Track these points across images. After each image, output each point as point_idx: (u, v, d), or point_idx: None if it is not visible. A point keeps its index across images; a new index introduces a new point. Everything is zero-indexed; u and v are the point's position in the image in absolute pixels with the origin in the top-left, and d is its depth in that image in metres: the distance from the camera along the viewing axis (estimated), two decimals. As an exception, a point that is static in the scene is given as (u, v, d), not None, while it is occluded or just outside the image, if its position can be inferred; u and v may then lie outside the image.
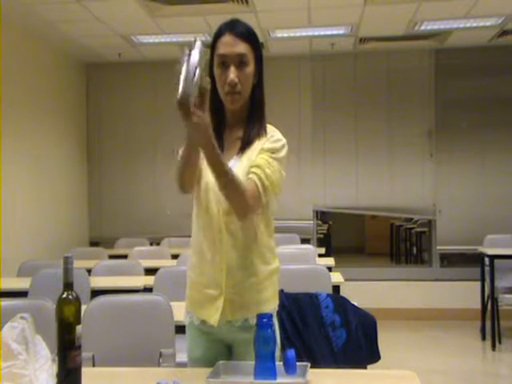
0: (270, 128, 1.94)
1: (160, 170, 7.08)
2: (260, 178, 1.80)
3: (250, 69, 1.85)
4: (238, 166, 1.85)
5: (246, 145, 1.88)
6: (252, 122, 1.91)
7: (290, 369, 1.67)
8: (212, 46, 1.87)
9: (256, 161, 1.83)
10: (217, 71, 1.85)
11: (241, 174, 1.81)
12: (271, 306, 1.91)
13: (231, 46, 1.82)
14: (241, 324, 1.87)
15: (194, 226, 1.94)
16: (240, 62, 1.82)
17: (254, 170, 1.81)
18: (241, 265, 1.86)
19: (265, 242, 1.90)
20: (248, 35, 1.85)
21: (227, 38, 1.83)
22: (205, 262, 1.88)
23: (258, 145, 1.88)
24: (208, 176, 1.84)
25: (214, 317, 1.86)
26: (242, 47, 1.82)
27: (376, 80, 6.93)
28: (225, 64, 1.83)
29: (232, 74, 1.81)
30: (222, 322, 1.86)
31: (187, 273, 1.98)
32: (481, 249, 5.63)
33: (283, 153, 1.89)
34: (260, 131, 1.90)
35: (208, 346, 1.93)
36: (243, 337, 1.84)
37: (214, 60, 1.86)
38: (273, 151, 1.86)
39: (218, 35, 1.86)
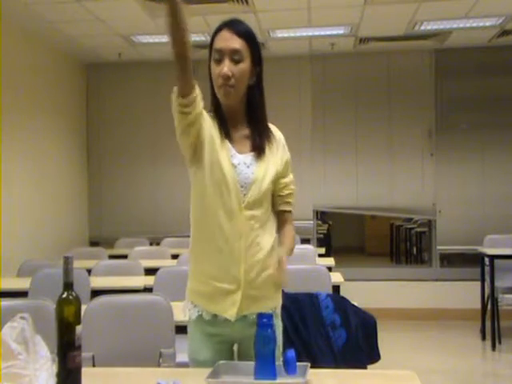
0: (272, 127, 2.01)
1: (160, 169, 7.08)
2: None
3: (245, 65, 1.87)
4: (261, 168, 1.91)
5: (259, 147, 1.93)
6: (255, 123, 1.95)
7: (289, 369, 1.67)
8: (210, 42, 1.91)
9: (289, 179, 2.02)
10: (212, 65, 1.89)
11: (263, 178, 1.90)
12: (280, 300, 1.98)
13: (227, 40, 1.86)
14: (255, 318, 1.85)
15: (203, 221, 1.91)
16: (234, 56, 1.86)
17: (292, 188, 2.02)
18: (260, 259, 1.88)
19: (276, 237, 1.96)
20: (246, 34, 1.88)
21: (224, 33, 1.87)
22: (221, 257, 1.87)
23: (276, 150, 1.96)
24: (224, 168, 1.86)
25: (230, 311, 1.87)
26: (237, 43, 1.86)
27: (376, 80, 6.93)
28: (220, 58, 1.86)
29: (226, 67, 1.85)
30: (238, 317, 1.88)
31: (193, 265, 1.95)
32: (481, 249, 5.63)
33: None
34: (267, 134, 1.96)
35: (215, 348, 1.92)
36: (251, 332, 1.83)
37: (211, 56, 1.90)
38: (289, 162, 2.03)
39: (216, 31, 1.90)
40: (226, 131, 1.92)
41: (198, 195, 1.92)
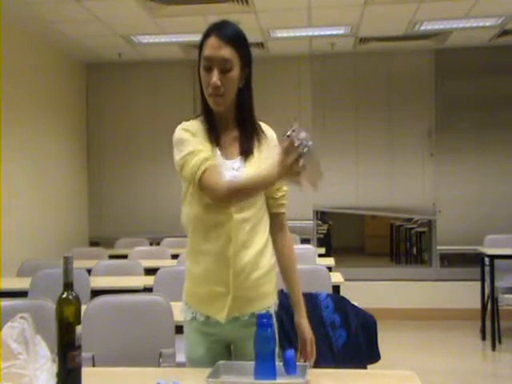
0: (263, 125, 1.99)
1: (160, 169, 7.08)
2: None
3: (234, 73, 1.85)
4: (249, 170, 1.88)
5: (247, 151, 1.91)
6: (243, 124, 1.94)
7: (289, 369, 1.67)
8: (199, 47, 1.88)
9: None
10: (202, 72, 1.87)
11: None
12: (274, 299, 1.97)
13: (216, 49, 1.82)
14: (247, 319, 1.88)
15: (195, 224, 1.92)
16: (223, 66, 1.83)
17: (285, 190, 2.01)
18: (248, 261, 1.88)
19: (268, 237, 1.97)
20: (234, 39, 1.85)
21: (213, 41, 1.83)
22: (211, 260, 1.88)
23: (267, 150, 1.93)
24: None
25: (221, 314, 1.88)
26: (226, 52, 1.82)
27: (376, 80, 6.93)
28: (209, 66, 1.84)
29: (215, 77, 1.82)
30: (229, 319, 1.88)
31: (188, 267, 1.96)
32: (481, 249, 5.62)
33: None
34: (257, 134, 1.95)
35: (209, 347, 1.93)
36: (245, 333, 1.85)
37: (200, 60, 1.88)
38: None
39: (205, 36, 1.87)
40: (215, 138, 1.91)
41: (189, 201, 1.93)
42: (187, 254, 1.98)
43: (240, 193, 1.78)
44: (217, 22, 1.87)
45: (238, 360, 1.91)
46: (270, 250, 1.97)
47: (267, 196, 1.98)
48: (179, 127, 1.93)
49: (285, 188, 2.01)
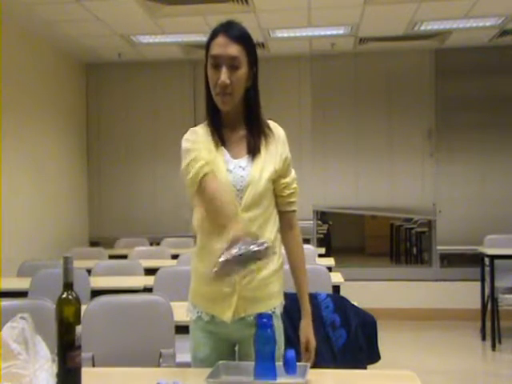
0: (271, 124, 1.99)
1: (160, 169, 7.08)
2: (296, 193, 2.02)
3: (242, 71, 1.86)
4: (256, 168, 1.89)
5: (254, 149, 1.91)
6: (250, 123, 1.94)
7: (290, 369, 1.67)
8: (206, 47, 1.89)
9: (291, 178, 1.98)
10: (209, 71, 1.87)
11: (258, 178, 1.88)
12: (280, 299, 1.96)
13: (224, 47, 1.83)
14: (253, 319, 1.86)
15: (203, 225, 1.92)
16: (232, 64, 1.84)
17: (294, 187, 2.00)
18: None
19: (277, 236, 1.96)
20: (242, 38, 1.86)
21: (220, 40, 1.84)
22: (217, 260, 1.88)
23: (275, 148, 1.93)
24: (221, 174, 1.86)
25: (226, 314, 1.87)
26: (234, 49, 1.83)
27: (376, 80, 6.93)
28: (217, 65, 1.85)
29: (223, 75, 1.83)
30: (235, 319, 1.88)
31: (195, 266, 1.96)
32: (481, 249, 5.63)
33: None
34: (264, 133, 1.94)
35: (214, 346, 1.93)
36: (251, 332, 1.83)
37: (207, 60, 1.88)
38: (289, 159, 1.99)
39: (212, 36, 1.88)
40: (221, 138, 1.92)
41: (197, 203, 1.93)
42: (194, 253, 1.97)
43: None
44: (223, 23, 1.89)
45: (242, 360, 1.91)
46: (276, 250, 1.95)
47: (275, 194, 1.97)
48: (183, 138, 1.95)
49: (294, 185, 1.99)
